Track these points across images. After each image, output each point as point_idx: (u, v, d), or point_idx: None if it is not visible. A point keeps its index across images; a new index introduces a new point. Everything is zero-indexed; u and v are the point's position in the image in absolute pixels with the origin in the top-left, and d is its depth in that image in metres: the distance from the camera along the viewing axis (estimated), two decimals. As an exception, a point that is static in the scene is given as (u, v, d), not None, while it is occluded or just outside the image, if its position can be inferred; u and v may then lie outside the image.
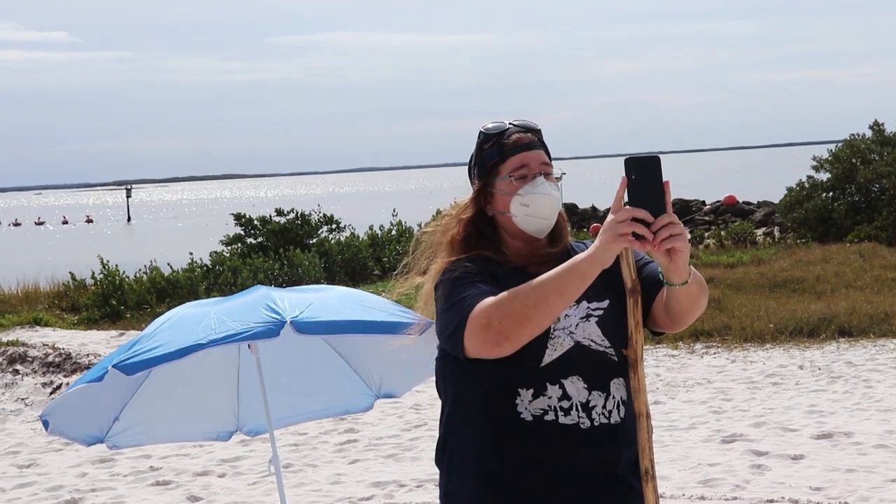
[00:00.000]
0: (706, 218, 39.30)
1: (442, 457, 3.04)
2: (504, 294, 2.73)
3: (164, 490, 8.54)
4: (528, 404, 2.86)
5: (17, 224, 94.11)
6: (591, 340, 2.91)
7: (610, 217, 2.59)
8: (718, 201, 42.11)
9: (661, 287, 2.81)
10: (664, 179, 2.58)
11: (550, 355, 2.88)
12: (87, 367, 12.49)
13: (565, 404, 2.86)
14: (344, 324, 4.85)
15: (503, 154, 3.02)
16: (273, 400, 5.41)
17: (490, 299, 2.75)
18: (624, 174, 2.60)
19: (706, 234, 28.32)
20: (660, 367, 12.43)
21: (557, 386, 2.87)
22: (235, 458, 9.32)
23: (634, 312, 2.84)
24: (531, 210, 2.98)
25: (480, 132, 3.08)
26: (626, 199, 2.61)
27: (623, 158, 2.63)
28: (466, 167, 3.16)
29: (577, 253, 2.85)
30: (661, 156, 2.60)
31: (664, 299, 2.84)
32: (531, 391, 2.86)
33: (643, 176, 2.58)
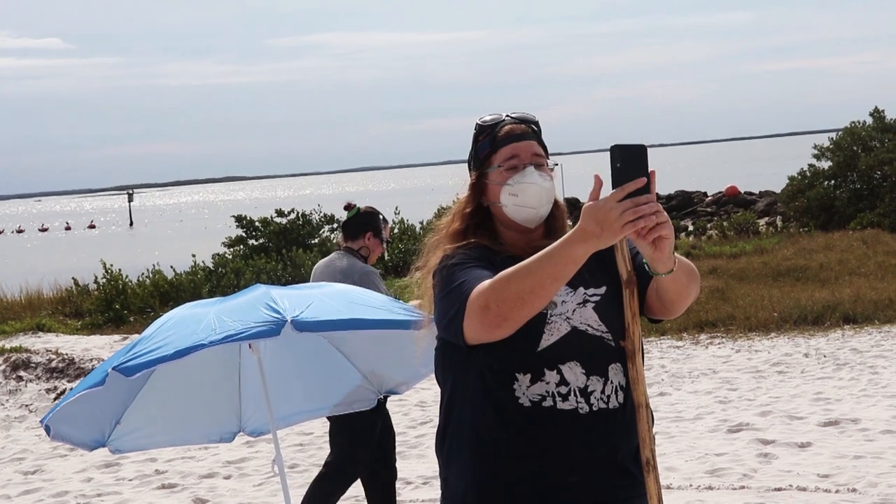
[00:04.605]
0: (708, 209, 39.28)
1: (441, 445, 3.03)
2: (499, 277, 2.72)
3: (170, 493, 8.52)
4: (525, 390, 2.85)
5: (20, 231, 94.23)
6: (588, 325, 2.90)
7: (608, 206, 2.51)
8: (720, 192, 42.11)
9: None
10: (650, 169, 2.55)
11: (547, 340, 2.86)
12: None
13: (563, 390, 2.84)
14: (345, 322, 4.82)
15: (495, 145, 3.04)
16: (275, 400, 5.37)
17: (486, 282, 2.74)
18: (610, 162, 2.56)
19: (709, 226, 28.30)
20: (665, 358, 12.40)
21: (555, 371, 2.85)
22: (241, 459, 9.30)
23: (631, 303, 2.84)
24: (520, 200, 2.98)
25: (476, 124, 3.11)
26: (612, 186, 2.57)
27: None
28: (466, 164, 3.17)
29: None
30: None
31: (656, 287, 2.83)
32: (528, 376, 2.85)
33: (628, 164, 2.55)
